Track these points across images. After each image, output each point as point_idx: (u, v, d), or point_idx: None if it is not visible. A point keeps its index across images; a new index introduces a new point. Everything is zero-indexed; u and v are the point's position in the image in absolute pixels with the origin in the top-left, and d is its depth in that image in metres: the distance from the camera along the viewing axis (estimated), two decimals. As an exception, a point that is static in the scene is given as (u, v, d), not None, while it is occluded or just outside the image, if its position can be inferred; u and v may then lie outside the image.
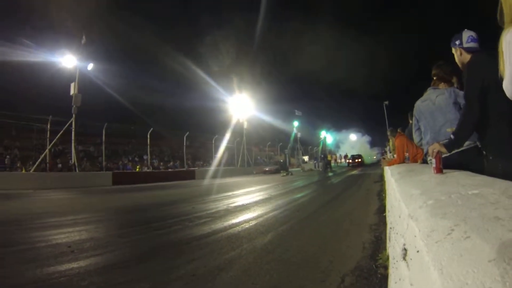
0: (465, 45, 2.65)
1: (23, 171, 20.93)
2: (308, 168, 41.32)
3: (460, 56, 2.71)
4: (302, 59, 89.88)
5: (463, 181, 1.76)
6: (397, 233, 1.78)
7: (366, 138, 75.24)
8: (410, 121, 6.70)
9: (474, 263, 0.70)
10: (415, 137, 3.72)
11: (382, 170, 18.95)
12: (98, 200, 11.80)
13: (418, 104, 3.56)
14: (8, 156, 25.65)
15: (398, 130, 7.13)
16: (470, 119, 2.48)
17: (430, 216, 1.08)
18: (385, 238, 4.00)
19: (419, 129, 3.61)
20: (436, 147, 2.50)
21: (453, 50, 2.78)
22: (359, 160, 42.22)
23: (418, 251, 0.95)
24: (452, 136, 2.60)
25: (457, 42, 2.70)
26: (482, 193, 1.31)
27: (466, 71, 2.58)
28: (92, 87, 25.15)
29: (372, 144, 74.14)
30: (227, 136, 37.46)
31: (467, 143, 2.80)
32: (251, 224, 5.97)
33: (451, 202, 1.24)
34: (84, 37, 21.79)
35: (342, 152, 64.07)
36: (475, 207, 1.10)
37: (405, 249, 1.22)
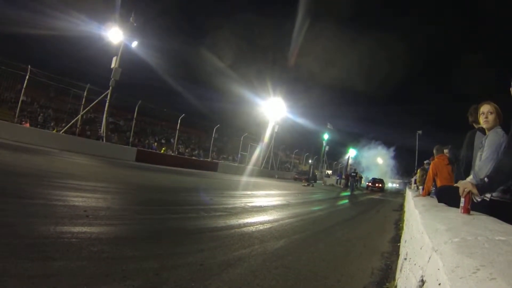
0: None
1: (55, 131, 21.62)
2: (330, 183, 40.88)
3: None
4: (337, 72, 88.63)
5: (491, 226, 1.74)
6: (414, 264, 1.79)
7: (391, 155, 71.95)
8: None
9: (498, 304, 0.71)
10: (486, 169, 2.91)
11: (403, 199, 18.42)
12: (119, 173, 12.00)
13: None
14: (41, 115, 26.63)
15: (445, 151, 6.40)
16: (510, 165, 2.34)
17: (456, 253, 1.09)
18: (395, 268, 3.93)
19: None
20: (468, 186, 2.33)
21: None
22: (380, 185, 39.04)
23: (440, 284, 0.97)
24: (486, 179, 2.43)
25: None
26: (509, 241, 1.31)
27: None
28: (133, 64, 25.84)
29: (396, 171, 72.12)
30: (257, 136, 37.60)
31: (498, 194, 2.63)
32: (265, 227, 5.89)
33: (477, 243, 1.25)
34: (133, 15, 22.33)
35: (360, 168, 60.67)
36: (502, 252, 1.10)
37: (423, 281, 1.25)
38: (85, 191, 6.19)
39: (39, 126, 22.99)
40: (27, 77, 18.41)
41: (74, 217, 4.14)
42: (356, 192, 25.98)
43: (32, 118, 24.61)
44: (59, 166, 9.59)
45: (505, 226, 1.79)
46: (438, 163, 6.16)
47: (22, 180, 5.98)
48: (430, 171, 6.17)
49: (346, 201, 17.16)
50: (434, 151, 6.77)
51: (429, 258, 1.26)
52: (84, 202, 5.15)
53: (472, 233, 1.43)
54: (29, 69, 18.28)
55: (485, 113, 3.08)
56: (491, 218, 2.10)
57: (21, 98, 19.18)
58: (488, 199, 2.69)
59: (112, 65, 21.63)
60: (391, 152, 71.58)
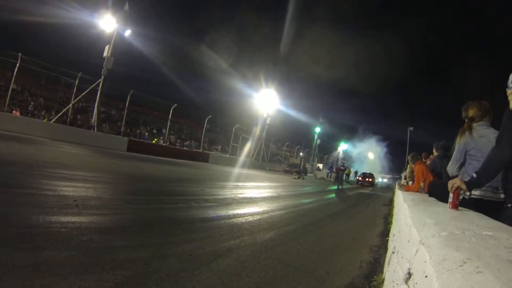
0: (510, 85, 2.45)
1: (45, 120, 21.37)
2: (320, 176, 41.06)
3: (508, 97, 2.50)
4: (329, 66, 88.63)
5: (478, 221, 1.76)
6: (402, 257, 1.80)
7: (382, 150, 72.18)
8: (435, 153, 6.45)
9: (484, 297, 0.73)
10: (452, 169, 3.25)
11: (393, 194, 18.60)
12: (110, 163, 11.91)
13: (475, 138, 3.08)
14: (32, 103, 26.29)
15: (422, 156, 6.79)
16: (497, 161, 2.37)
17: (443, 246, 1.10)
18: (384, 262, 3.97)
19: (461, 164, 3.16)
20: (456, 182, 2.40)
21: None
22: (370, 179, 38.75)
23: (426, 276, 0.98)
24: (474, 175, 2.47)
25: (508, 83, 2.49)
26: (496, 236, 1.33)
27: (507, 112, 2.41)
28: (125, 53, 25.50)
29: (387, 167, 72.54)
30: (249, 128, 37.58)
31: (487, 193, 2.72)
32: (255, 218, 5.93)
33: (464, 237, 1.27)
34: (127, 4, 21.99)
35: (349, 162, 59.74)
36: (488, 247, 1.12)
37: (410, 274, 1.26)
38: (76, 180, 6.16)
39: (29, 115, 22.72)
40: (17, 65, 18.12)
41: (64, 207, 4.13)
42: (345, 186, 26.09)
43: (23, 106, 24.30)
44: (50, 156, 9.51)
45: (492, 221, 1.82)
46: (422, 167, 6.35)
47: (12, 170, 5.93)
48: (424, 169, 6.27)
49: (336, 194, 17.29)
50: (409, 158, 6.95)
51: (417, 251, 1.27)
52: (74, 192, 5.12)
53: (459, 228, 1.46)
54: (19, 56, 17.98)
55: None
56: (479, 214, 2.15)
57: (11, 86, 18.86)
58: (475, 197, 2.78)
59: (105, 54, 21.29)
60: (382, 147, 72.02)
